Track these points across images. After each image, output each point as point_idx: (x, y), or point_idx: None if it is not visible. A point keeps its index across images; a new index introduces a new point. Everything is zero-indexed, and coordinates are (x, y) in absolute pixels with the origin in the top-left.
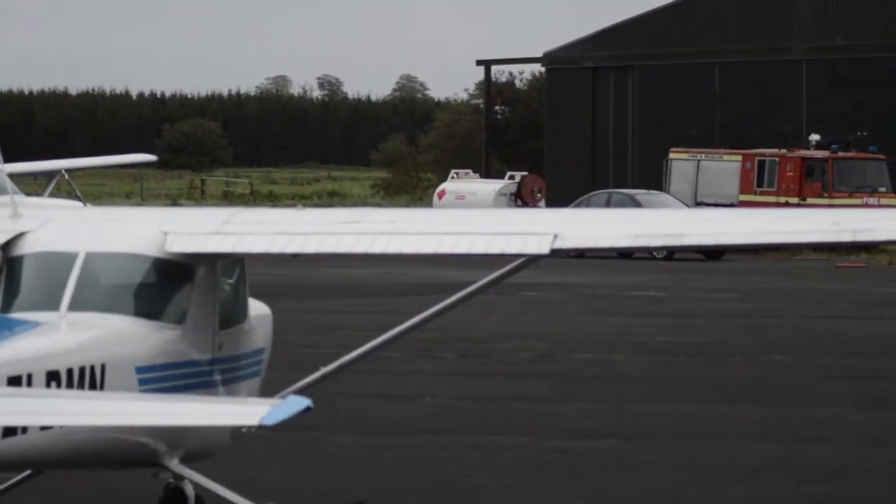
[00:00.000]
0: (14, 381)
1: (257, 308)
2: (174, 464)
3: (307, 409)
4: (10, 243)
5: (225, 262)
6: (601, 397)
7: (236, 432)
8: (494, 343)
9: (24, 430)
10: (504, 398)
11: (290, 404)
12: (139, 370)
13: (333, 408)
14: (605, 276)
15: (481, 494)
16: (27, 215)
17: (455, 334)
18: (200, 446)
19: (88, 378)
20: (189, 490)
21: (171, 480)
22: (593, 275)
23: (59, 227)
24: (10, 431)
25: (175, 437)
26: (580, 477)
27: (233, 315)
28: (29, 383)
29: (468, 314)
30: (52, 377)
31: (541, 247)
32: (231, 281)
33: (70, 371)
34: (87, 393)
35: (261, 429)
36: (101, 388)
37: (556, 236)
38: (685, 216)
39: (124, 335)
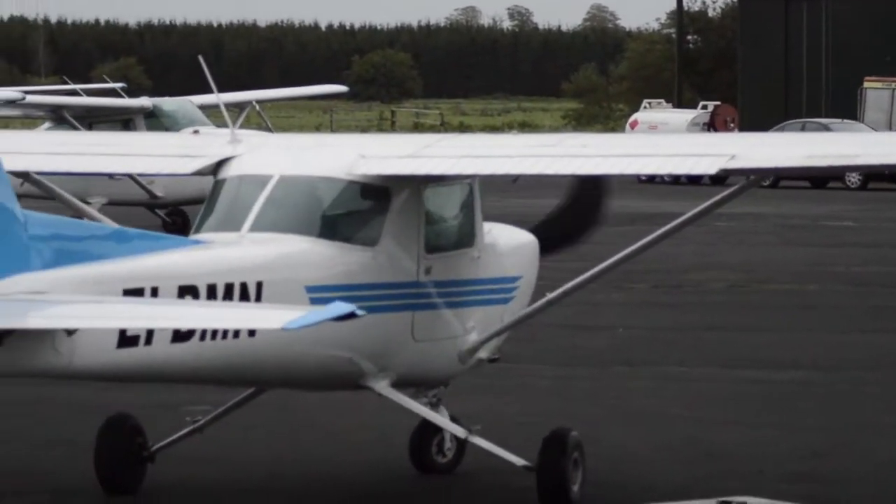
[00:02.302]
0: (133, 292)
1: (510, 235)
2: (381, 385)
3: (350, 315)
4: (219, 166)
5: (440, 186)
6: (794, 328)
7: (465, 359)
8: (687, 274)
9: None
10: (697, 328)
11: (326, 311)
12: (310, 289)
13: (529, 340)
14: (800, 207)
15: (675, 424)
16: (244, 142)
17: (648, 265)
18: (415, 372)
19: (238, 295)
20: (446, 424)
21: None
22: (787, 205)
23: (262, 151)
24: (130, 341)
25: (383, 358)
26: (771, 407)
27: (453, 240)
28: (154, 296)
29: (661, 245)
30: (187, 291)
31: (710, 167)
32: (451, 205)
33: (212, 287)
34: (112, 298)
35: (284, 331)
36: None
37: (732, 157)
38: (863, 139)
39: (296, 256)
